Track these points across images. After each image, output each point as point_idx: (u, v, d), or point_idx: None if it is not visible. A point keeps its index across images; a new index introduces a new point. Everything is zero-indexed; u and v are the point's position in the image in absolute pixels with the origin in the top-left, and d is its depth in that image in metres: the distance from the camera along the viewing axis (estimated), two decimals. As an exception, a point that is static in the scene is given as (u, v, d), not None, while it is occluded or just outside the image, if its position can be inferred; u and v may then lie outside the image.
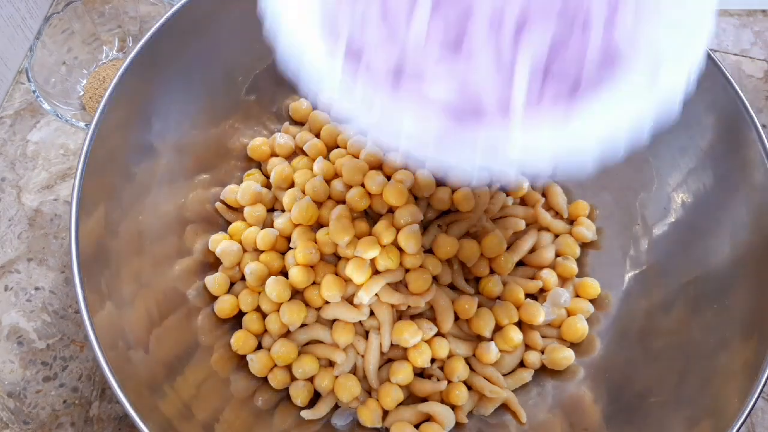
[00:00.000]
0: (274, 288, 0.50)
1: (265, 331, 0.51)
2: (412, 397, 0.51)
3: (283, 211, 0.56)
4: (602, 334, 0.52)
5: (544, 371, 0.52)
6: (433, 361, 0.50)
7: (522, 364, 0.52)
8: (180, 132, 0.51)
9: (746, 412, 0.38)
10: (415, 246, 0.49)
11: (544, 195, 0.58)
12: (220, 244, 0.53)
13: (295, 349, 0.50)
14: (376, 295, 0.49)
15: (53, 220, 0.62)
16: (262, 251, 0.53)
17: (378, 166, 0.55)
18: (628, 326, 0.51)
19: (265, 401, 0.50)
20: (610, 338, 0.52)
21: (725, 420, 0.39)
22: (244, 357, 0.51)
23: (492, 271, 0.54)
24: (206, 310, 0.52)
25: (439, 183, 0.54)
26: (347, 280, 0.50)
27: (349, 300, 0.50)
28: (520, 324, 0.52)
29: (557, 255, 0.55)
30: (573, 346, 0.52)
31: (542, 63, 0.26)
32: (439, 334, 0.50)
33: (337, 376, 0.49)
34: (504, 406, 0.50)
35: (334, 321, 0.51)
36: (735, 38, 0.75)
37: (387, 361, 0.51)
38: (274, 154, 0.59)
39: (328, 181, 0.54)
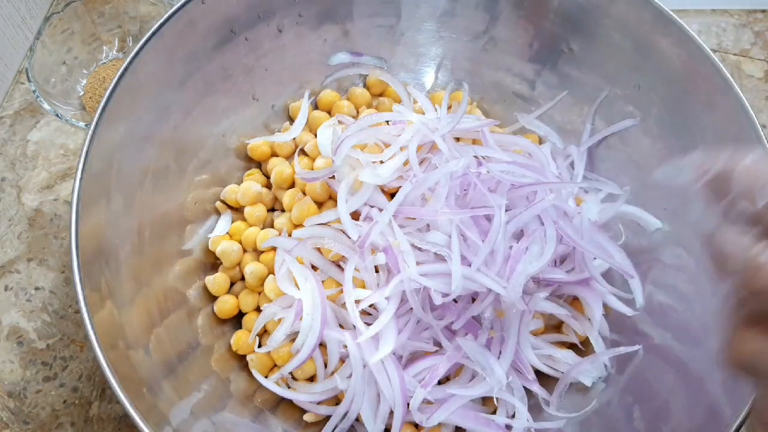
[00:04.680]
0: (274, 288, 0.50)
1: (265, 331, 0.51)
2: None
3: (283, 211, 0.56)
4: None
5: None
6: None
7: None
8: (180, 132, 0.51)
9: (746, 412, 0.38)
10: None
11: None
12: (220, 244, 0.53)
13: (295, 349, 0.50)
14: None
15: (53, 220, 0.62)
16: (262, 251, 0.53)
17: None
18: (631, 323, 0.51)
19: (265, 401, 0.50)
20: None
21: (726, 419, 0.39)
22: (244, 357, 0.52)
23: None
24: (206, 310, 0.52)
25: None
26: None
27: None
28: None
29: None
30: (572, 346, 0.52)
31: None
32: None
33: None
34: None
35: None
36: (735, 38, 0.75)
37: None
38: (274, 154, 0.59)
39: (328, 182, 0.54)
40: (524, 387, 0.49)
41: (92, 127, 0.43)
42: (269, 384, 0.49)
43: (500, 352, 0.47)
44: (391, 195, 0.50)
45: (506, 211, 0.48)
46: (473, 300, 0.48)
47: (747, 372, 0.28)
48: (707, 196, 0.30)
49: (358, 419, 0.48)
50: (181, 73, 0.50)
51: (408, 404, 0.46)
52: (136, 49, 0.45)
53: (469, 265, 0.46)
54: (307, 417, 0.49)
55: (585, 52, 0.56)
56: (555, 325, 0.54)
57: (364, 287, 0.48)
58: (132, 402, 0.37)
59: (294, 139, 0.59)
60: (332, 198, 0.54)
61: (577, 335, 0.52)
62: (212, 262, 0.55)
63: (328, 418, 0.48)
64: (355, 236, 0.48)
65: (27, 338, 0.57)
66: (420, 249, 0.47)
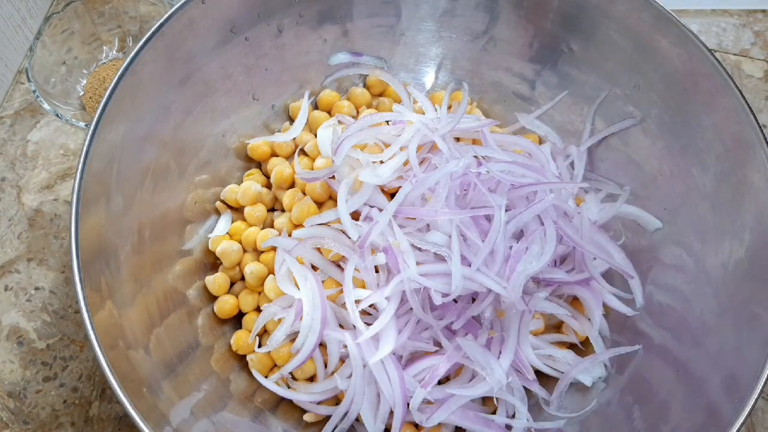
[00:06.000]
0: (274, 288, 0.50)
1: (265, 331, 0.51)
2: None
3: (283, 211, 0.56)
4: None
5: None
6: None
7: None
8: (180, 132, 0.51)
9: (746, 412, 0.38)
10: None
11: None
12: (220, 244, 0.53)
13: (295, 349, 0.50)
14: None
15: (53, 220, 0.62)
16: (262, 251, 0.53)
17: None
18: (631, 323, 0.51)
19: (265, 401, 0.50)
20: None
21: (726, 419, 0.39)
22: (244, 357, 0.52)
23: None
24: (206, 310, 0.52)
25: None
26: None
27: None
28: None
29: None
30: (573, 346, 0.53)
31: None
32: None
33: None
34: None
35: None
36: (735, 38, 0.75)
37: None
38: (274, 154, 0.59)
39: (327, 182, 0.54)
40: (524, 387, 0.49)
41: (92, 127, 0.43)
42: (269, 384, 0.49)
43: (500, 352, 0.47)
44: (391, 195, 0.50)
45: (506, 211, 0.48)
46: (473, 300, 0.48)
47: None
48: None
49: (358, 419, 0.48)
50: (181, 73, 0.50)
51: (408, 404, 0.46)
52: (136, 49, 0.46)
53: (469, 265, 0.46)
54: (307, 417, 0.49)
55: (585, 52, 0.56)
56: (555, 325, 0.54)
57: (364, 287, 0.49)
58: (132, 402, 0.37)
59: (294, 139, 0.59)
60: (332, 198, 0.54)
61: (577, 335, 0.52)
62: (212, 262, 0.55)
63: (328, 418, 0.48)
64: (355, 236, 0.48)
65: (27, 338, 0.57)
66: (420, 249, 0.47)
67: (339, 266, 0.51)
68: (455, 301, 0.48)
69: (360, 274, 0.48)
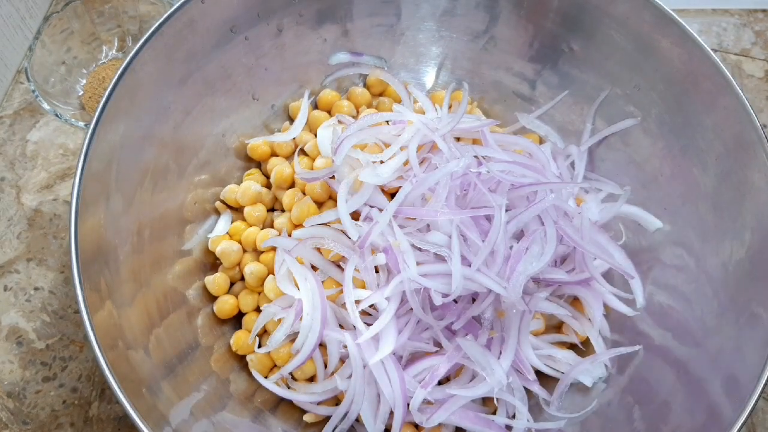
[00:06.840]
0: (274, 288, 0.50)
1: (265, 331, 0.51)
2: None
3: (283, 211, 0.56)
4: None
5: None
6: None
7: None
8: (179, 132, 0.51)
9: (747, 413, 0.38)
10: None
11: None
12: (220, 244, 0.53)
13: (295, 349, 0.50)
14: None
15: (53, 220, 0.62)
16: (262, 251, 0.53)
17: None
18: (632, 323, 0.51)
19: (264, 401, 0.50)
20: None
21: (727, 419, 0.39)
22: (243, 357, 0.51)
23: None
24: (206, 310, 0.52)
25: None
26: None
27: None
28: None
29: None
30: (573, 346, 0.52)
31: None
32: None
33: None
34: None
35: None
36: (735, 38, 0.75)
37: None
38: (274, 154, 0.59)
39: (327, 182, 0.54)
40: (524, 387, 0.49)
41: (92, 126, 0.43)
42: (269, 384, 0.49)
43: (500, 353, 0.47)
44: (391, 195, 0.50)
45: (506, 211, 0.48)
46: (473, 300, 0.48)
47: None
48: None
49: (358, 419, 0.48)
50: (181, 73, 0.50)
51: (408, 405, 0.46)
52: (136, 48, 0.45)
53: (469, 266, 0.46)
54: (306, 417, 0.49)
55: (585, 52, 0.56)
56: (555, 326, 0.54)
57: (364, 287, 0.48)
58: (131, 402, 0.37)
59: (294, 139, 0.58)
60: (332, 198, 0.54)
61: (578, 335, 0.52)
62: (212, 262, 0.55)
63: (328, 418, 0.48)
64: (355, 236, 0.48)
65: (26, 338, 0.57)
66: (420, 249, 0.47)
67: (339, 266, 0.51)
68: (455, 301, 0.48)
69: (360, 275, 0.48)
